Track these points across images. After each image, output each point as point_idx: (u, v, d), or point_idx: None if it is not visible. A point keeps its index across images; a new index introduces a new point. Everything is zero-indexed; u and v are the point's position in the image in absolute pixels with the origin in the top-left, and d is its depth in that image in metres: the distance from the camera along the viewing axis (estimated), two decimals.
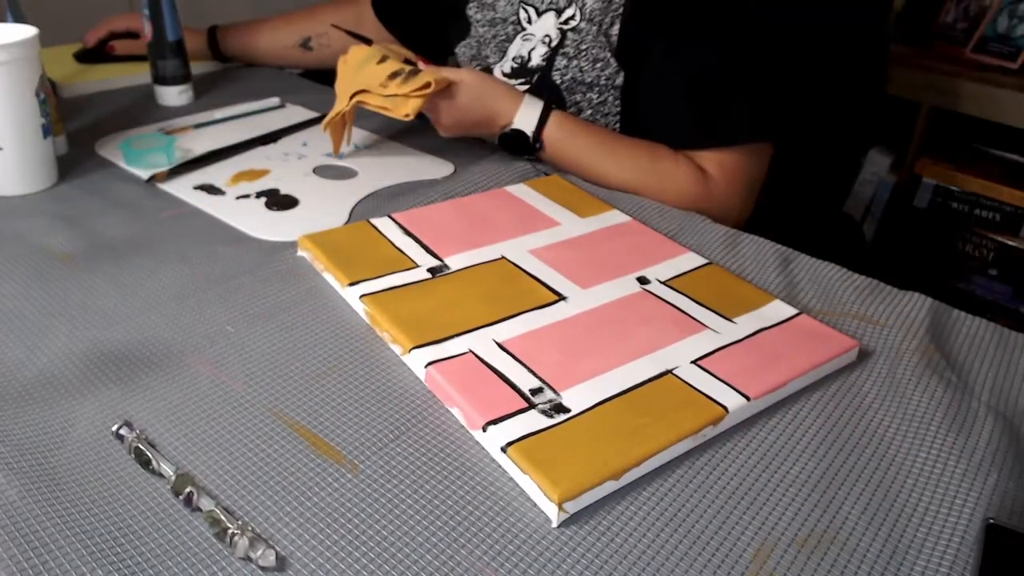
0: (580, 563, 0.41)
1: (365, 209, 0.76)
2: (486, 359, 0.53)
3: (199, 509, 0.42)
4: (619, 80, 0.86)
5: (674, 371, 0.52)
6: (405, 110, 0.78)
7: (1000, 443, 0.49)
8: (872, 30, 0.91)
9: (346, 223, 0.73)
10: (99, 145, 0.87)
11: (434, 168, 0.85)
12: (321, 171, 0.83)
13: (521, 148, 0.84)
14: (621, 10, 0.85)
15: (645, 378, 0.51)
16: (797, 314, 0.59)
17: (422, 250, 0.65)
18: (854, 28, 0.85)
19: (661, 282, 0.63)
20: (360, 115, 0.86)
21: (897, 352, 0.58)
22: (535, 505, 0.44)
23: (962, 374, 0.56)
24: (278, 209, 0.75)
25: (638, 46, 0.84)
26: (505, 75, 0.94)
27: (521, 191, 0.77)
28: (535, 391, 0.50)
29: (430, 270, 0.63)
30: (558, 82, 0.90)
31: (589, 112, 0.90)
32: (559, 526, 0.43)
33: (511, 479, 0.46)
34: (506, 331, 0.55)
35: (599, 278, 0.63)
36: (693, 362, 0.53)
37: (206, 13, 1.26)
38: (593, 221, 0.72)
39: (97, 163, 0.83)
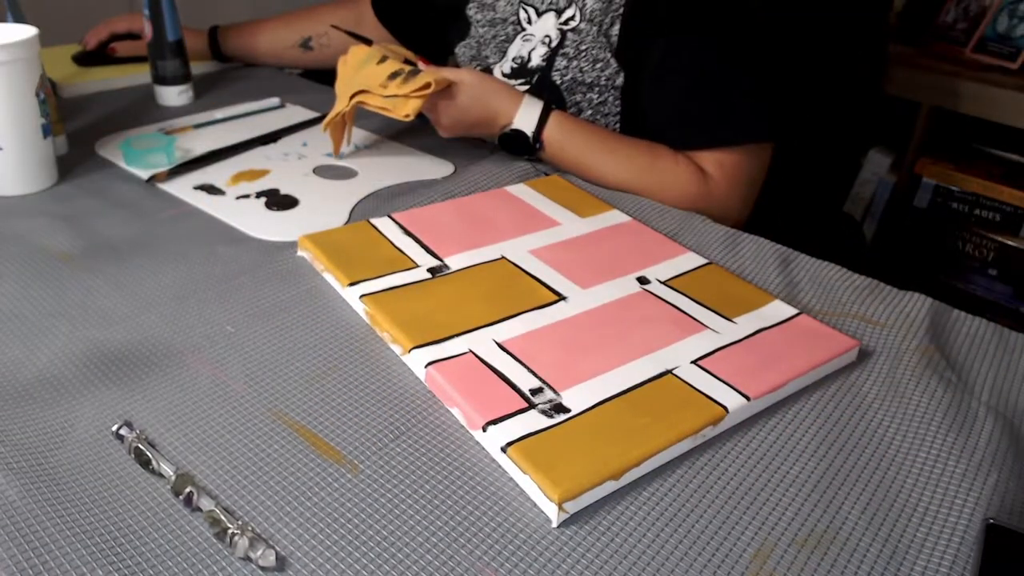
0: (580, 563, 0.41)
1: (365, 209, 0.76)
2: (486, 359, 0.53)
3: (199, 509, 0.42)
4: (619, 80, 0.86)
5: (674, 371, 0.52)
6: (405, 110, 0.78)
7: (1000, 443, 0.49)
8: (871, 28, 0.91)
9: (346, 223, 0.73)
10: (99, 145, 0.87)
11: (434, 168, 0.85)
12: (321, 171, 0.83)
13: (521, 148, 0.84)
14: (621, 10, 0.85)
15: (645, 378, 0.51)
16: (797, 314, 0.59)
17: (422, 250, 0.65)
18: (853, 27, 0.85)
19: (661, 282, 0.63)
20: (360, 115, 0.86)
21: (897, 352, 0.58)
22: (535, 505, 0.44)
23: (962, 374, 0.56)
24: (278, 209, 0.75)
25: (638, 46, 0.84)
26: (505, 75, 0.94)
27: (521, 191, 0.77)
28: (535, 391, 0.50)
29: (430, 270, 0.63)
30: (558, 82, 0.90)
31: (589, 112, 0.90)
32: (559, 526, 0.43)
33: (511, 479, 0.46)
34: (506, 331, 0.55)
35: (599, 278, 0.63)
36: (693, 362, 0.53)
37: (206, 13, 1.26)
38: (593, 221, 0.72)
39: (97, 163, 0.83)
